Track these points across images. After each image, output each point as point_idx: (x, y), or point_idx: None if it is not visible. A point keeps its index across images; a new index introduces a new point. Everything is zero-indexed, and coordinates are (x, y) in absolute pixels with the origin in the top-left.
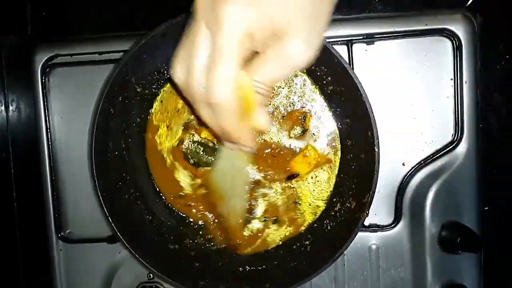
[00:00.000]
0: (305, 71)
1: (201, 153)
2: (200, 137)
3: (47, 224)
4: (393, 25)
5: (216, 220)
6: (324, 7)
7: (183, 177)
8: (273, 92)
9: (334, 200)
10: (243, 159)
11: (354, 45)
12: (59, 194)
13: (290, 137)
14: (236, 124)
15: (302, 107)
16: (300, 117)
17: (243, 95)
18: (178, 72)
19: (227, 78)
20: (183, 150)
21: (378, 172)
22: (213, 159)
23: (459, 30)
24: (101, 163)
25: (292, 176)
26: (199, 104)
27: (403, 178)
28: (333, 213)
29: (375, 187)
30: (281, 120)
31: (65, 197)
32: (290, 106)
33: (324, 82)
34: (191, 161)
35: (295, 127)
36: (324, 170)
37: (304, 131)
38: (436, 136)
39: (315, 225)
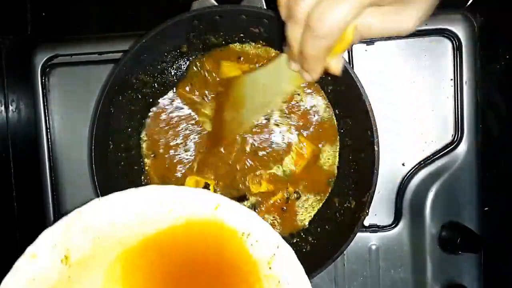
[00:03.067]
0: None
1: None
2: None
3: (47, 224)
4: None
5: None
6: None
7: None
8: None
9: (334, 199)
10: (292, 82)
11: (354, 45)
12: (59, 194)
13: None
14: (320, 57)
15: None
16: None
17: (342, 37)
18: None
19: (344, 18)
20: None
21: (378, 171)
22: None
23: (459, 30)
24: (101, 163)
25: None
26: (293, 21)
27: (403, 178)
28: (333, 213)
29: (375, 186)
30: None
31: (65, 197)
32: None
33: (324, 81)
34: None
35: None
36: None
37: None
38: (436, 136)
39: (315, 224)
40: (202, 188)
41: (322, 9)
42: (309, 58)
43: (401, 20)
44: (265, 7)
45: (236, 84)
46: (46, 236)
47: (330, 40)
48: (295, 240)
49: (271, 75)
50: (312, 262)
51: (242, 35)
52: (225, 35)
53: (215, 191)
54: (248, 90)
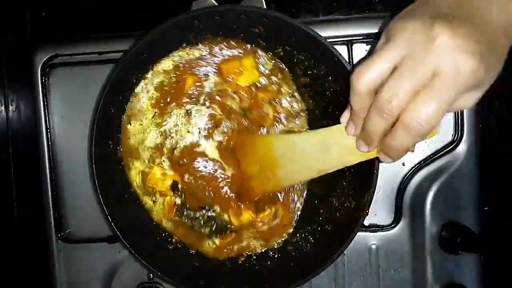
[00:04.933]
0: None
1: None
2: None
3: (47, 224)
4: None
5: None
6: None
7: None
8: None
9: (334, 199)
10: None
11: (354, 45)
12: (59, 194)
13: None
14: (407, 148)
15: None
16: None
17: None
18: (367, 79)
19: (438, 118)
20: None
21: (377, 171)
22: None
23: None
24: (101, 163)
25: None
26: (379, 114)
27: (403, 178)
28: (333, 213)
29: (375, 186)
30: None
31: (65, 197)
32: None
33: (324, 82)
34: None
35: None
36: None
37: None
38: (436, 136)
39: (315, 224)
40: (170, 185)
41: (418, 112)
42: (395, 148)
43: (468, 101)
44: (265, 7)
45: (262, 143)
46: None
47: (423, 137)
48: (295, 240)
49: (316, 142)
50: (312, 262)
51: (242, 35)
52: (225, 35)
53: (182, 189)
54: (284, 153)
